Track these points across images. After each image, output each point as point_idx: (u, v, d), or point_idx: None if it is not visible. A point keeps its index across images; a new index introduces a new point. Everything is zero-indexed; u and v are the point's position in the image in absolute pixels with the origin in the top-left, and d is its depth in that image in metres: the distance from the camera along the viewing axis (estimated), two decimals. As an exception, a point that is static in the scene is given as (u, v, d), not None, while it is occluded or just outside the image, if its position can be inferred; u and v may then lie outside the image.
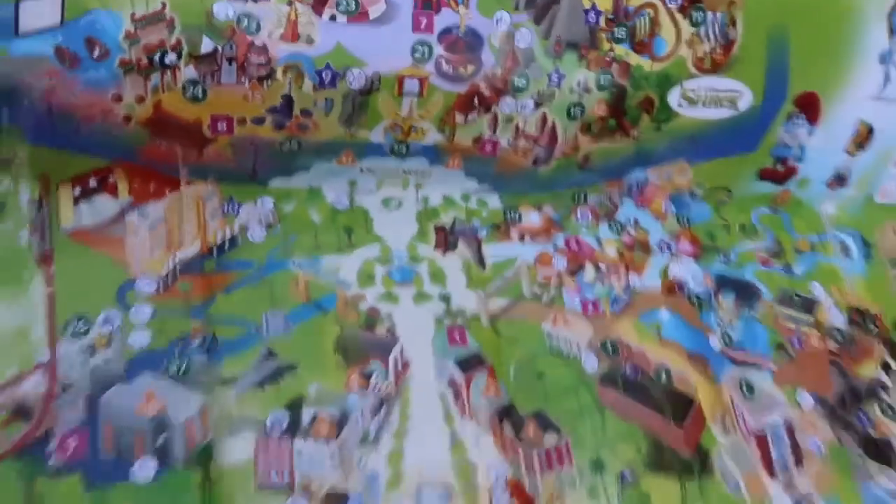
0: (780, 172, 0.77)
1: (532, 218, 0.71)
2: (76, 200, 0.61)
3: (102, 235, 0.60)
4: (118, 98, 0.59)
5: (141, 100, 0.60)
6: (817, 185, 0.78)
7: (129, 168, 0.62)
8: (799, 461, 0.65)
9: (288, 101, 0.63)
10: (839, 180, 0.78)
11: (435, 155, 0.68)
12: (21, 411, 0.52)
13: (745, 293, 0.73)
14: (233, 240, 0.63)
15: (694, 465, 0.61)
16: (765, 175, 0.77)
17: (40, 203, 0.59)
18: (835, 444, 0.66)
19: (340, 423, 0.56)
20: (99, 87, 0.59)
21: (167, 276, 0.60)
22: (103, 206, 0.61)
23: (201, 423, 0.55)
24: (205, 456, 0.54)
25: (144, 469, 0.52)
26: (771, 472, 0.64)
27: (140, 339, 0.57)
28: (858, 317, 0.74)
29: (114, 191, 0.62)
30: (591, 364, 0.64)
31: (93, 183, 0.61)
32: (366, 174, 0.68)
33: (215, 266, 0.61)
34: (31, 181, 0.60)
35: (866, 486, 0.65)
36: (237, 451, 0.54)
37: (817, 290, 0.74)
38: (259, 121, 0.63)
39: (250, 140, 0.64)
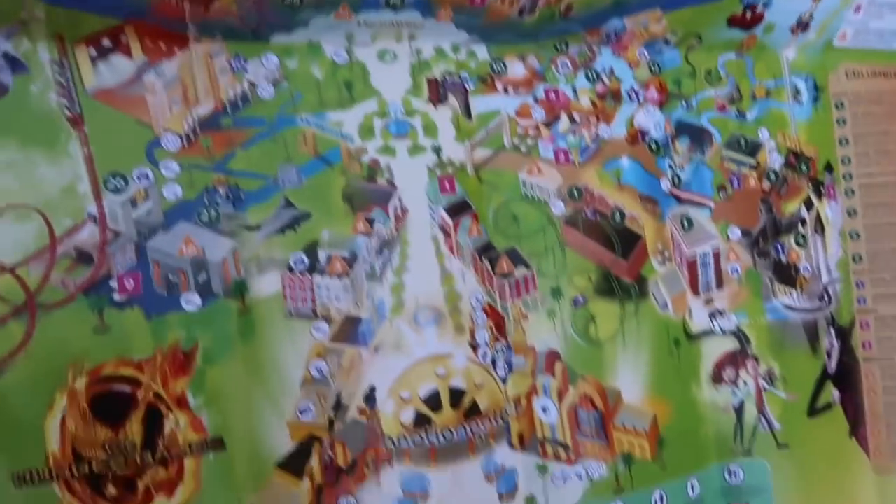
0: (749, 19, 0.82)
1: (517, 69, 0.76)
2: (93, 61, 0.64)
3: (124, 95, 0.64)
4: (127, -44, 0.60)
5: (150, -44, 0.61)
6: (782, 30, 0.83)
7: (139, 26, 0.65)
8: (720, 283, 0.80)
9: (291, -46, 0.64)
10: (802, 26, 0.84)
11: (426, 7, 0.71)
12: (82, 257, 0.61)
13: (699, 138, 0.82)
14: (244, 97, 0.68)
15: (633, 290, 0.75)
16: (734, 22, 0.82)
17: (61, 63, 0.63)
18: (751, 269, 0.80)
19: (351, 262, 0.67)
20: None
21: (189, 132, 0.66)
22: (120, 65, 0.64)
23: (234, 262, 0.65)
24: (240, 290, 0.64)
25: (191, 301, 0.64)
26: (696, 293, 0.79)
27: (173, 191, 0.64)
28: (795, 159, 0.84)
29: (127, 51, 0.65)
30: (559, 208, 0.74)
31: (106, 43, 0.64)
32: (362, 27, 0.71)
33: (232, 122, 0.67)
34: (48, 42, 0.63)
35: (769, 303, 0.81)
36: (267, 285, 0.65)
37: (763, 135, 0.83)
38: (262, -24, 0.65)
39: (253, -4, 0.66)
